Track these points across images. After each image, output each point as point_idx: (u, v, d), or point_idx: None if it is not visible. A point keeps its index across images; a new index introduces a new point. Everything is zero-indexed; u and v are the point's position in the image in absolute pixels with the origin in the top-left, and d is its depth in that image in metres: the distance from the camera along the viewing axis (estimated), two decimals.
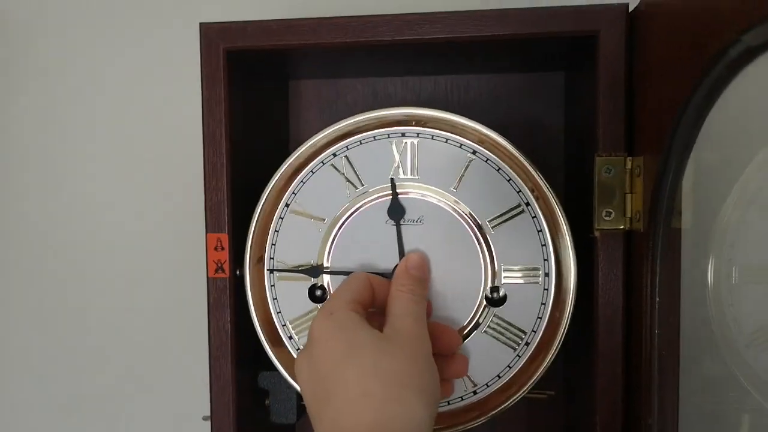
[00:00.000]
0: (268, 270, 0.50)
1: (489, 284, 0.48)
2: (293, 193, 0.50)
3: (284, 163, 0.49)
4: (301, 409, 0.54)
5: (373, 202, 0.49)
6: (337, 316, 0.40)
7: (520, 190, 0.47)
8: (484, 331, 0.48)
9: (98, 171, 0.72)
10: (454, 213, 0.48)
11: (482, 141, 0.48)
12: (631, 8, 0.45)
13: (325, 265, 0.49)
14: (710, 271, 0.49)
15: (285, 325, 0.50)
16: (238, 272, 0.50)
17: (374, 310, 0.44)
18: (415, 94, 0.64)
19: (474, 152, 0.47)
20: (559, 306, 0.47)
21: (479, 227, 0.47)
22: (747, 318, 0.48)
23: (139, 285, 0.72)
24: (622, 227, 0.45)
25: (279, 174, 0.49)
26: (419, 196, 0.48)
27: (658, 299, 0.42)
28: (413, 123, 0.48)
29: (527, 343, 0.47)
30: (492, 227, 0.47)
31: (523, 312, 0.47)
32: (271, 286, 0.50)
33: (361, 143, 0.49)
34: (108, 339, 0.73)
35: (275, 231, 0.50)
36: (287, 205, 0.50)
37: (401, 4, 0.63)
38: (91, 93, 0.71)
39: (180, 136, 0.69)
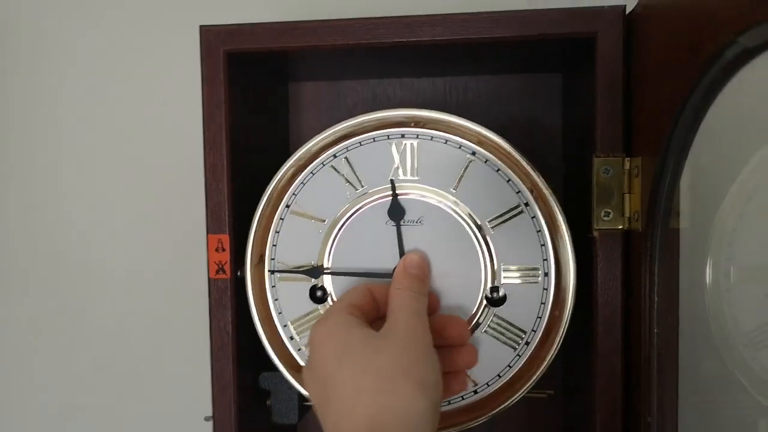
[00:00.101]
0: (268, 271, 0.50)
1: (489, 284, 0.48)
2: (294, 194, 0.50)
3: (285, 165, 0.50)
4: (303, 410, 0.54)
5: (373, 203, 0.49)
6: (332, 320, 0.41)
7: (519, 191, 0.47)
8: (485, 331, 0.48)
9: (98, 173, 0.72)
10: (453, 213, 0.48)
11: (481, 142, 0.48)
12: (628, 10, 0.46)
13: (326, 265, 0.49)
14: (708, 270, 0.49)
15: (286, 325, 0.50)
16: (239, 273, 0.50)
17: (379, 318, 0.44)
18: (415, 95, 0.64)
19: (473, 153, 0.48)
20: (559, 305, 0.47)
21: (479, 227, 0.48)
22: (745, 317, 0.48)
23: (139, 287, 0.72)
24: (620, 227, 0.45)
25: (279, 175, 0.50)
26: (419, 197, 0.48)
27: (656, 299, 0.42)
28: (413, 124, 0.49)
29: (527, 343, 0.48)
30: (491, 227, 0.48)
31: (523, 312, 0.48)
32: (272, 286, 0.50)
33: (361, 144, 0.49)
34: (109, 341, 0.73)
35: (276, 232, 0.50)
36: (288, 206, 0.50)
37: (400, 7, 0.64)
38: (91, 96, 0.71)
39: (180, 138, 0.70)
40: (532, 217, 0.47)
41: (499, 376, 0.48)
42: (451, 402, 0.48)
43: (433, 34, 0.47)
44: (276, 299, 0.50)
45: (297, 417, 0.53)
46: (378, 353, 0.38)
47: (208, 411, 0.51)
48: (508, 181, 0.47)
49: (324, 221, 0.49)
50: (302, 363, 0.50)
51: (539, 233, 0.47)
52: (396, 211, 0.48)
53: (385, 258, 0.48)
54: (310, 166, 0.50)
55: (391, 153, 0.49)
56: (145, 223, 0.71)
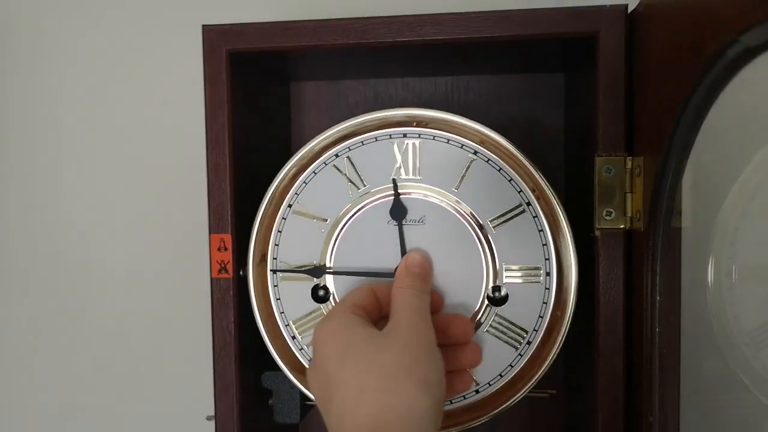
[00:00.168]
0: (271, 270, 0.50)
1: (491, 284, 0.48)
2: (296, 193, 0.50)
3: (287, 164, 0.50)
4: (304, 409, 0.54)
5: (375, 203, 0.49)
6: (335, 319, 0.41)
7: (521, 190, 0.47)
8: (486, 331, 0.48)
9: (98, 173, 0.72)
10: (455, 213, 0.48)
11: (483, 141, 0.48)
12: (630, 9, 0.46)
13: (328, 265, 0.49)
14: (710, 269, 0.49)
15: (288, 325, 0.50)
16: (241, 272, 0.50)
17: (382, 318, 0.44)
18: (416, 94, 0.64)
19: (475, 152, 0.48)
20: (561, 305, 0.47)
21: (480, 227, 0.48)
22: (747, 316, 0.48)
23: (140, 286, 0.72)
24: (622, 227, 0.45)
25: (282, 175, 0.50)
26: (421, 197, 0.48)
27: (658, 298, 0.42)
28: (415, 124, 0.49)
29: (529, 342, 0.48)
30: (493, 227, 0.48)
31: (525, 311, 0.48)
32: (274, 286, 0.50)
33: (363, 144, 0.49)
34: (109, 341, 0.73)
35: (278, 231, 0.50)
36: (290, 206, 0.50)
37: (402, 6, 0.64)
38: (91, 96, 0.72)
39: (181, 138, 0.70)
40: (534, 217, 0.47)
41: (501, 376, 0.48)
42: (453, 401, 0.48)
43: (434, 33, 0.47)
44: (278, 299, 0.50)
45: (299, 416, 0.53)
46: (380, 352, 0.38)
47: (210, 411, 0.51)
48: (509, 180, 0.48)
49: (326, 221, 0.49)
50: (304, 362, 0.51)
51: (541, 233, 0.47)
52: (398, 211, 0.48)
53: (387, 257, 0.48)
54: (312, 165, 0.50)
55: (393, 152, 0.49)
56: (145, 222, 0.71)
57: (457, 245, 0.48)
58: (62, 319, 0.73)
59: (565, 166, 0.62)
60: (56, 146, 0.72)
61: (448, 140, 0.48)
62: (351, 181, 0.49)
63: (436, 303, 0.47)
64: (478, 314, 0.48)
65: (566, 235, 0.47)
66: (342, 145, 0.49)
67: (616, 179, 0.45)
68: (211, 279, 0.50)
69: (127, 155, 0.72)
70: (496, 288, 0.48)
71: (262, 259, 0.50)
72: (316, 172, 0.50)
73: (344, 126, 0.49)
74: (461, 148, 0.48)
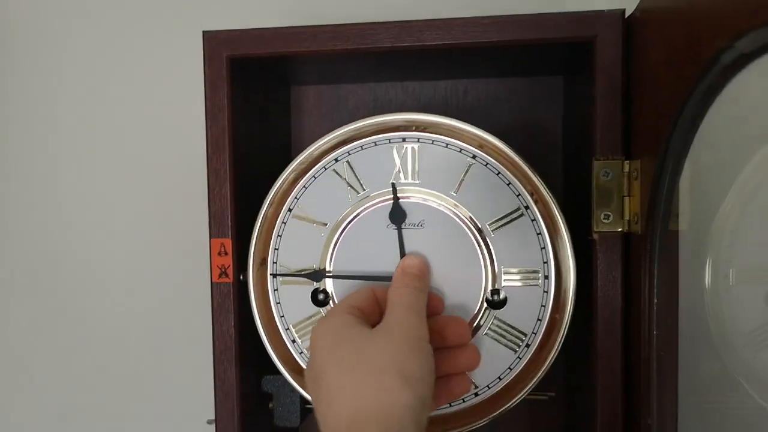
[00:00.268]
0: (271, 274, 0.51)
1: (489, 287, 0.48)
2: (296, 198, 0.50)
3: (287, 169, 0.50)
4: (305, 413, 0.54)
5: (375, 207, 0.49)
6: (331, 319, 0.42)
7: (519, 194, 0.48)
8: (485, 334, 0.48)
9: (100, 177, 0.72)
10: (454, 217, 0.48)
11: (482, 145, 0.48)
12: (627, 14, 0.46)
13: (328, 269, 0.50)
14: (708, 271, 0.49)
15: (288, 329, 0.51)
16: (241, 277, 0.50)
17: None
18: (415, 98, 0.64)
19: (474, 156, 0.48)
20: (559, 308, 0.48)
21: (479, 231, 0.48)
22: (744, 318, 0.49)
23: (142, 288, 0.72)
24: (620, 230, 0.46)
25: (281, 179, 0.50)
26: (420, 200, 0.49)
27: (656, 300, 0.42)
28: (414, 128, 0.49)
29: (528, 345, 0.48)
30: (492, 230, 0.48)
31: (524, 314, 0.48)
32: (274, 290, 0.51)
33: (362, 148, 0.49)
34: (111, 344, 0.73)
35: (278, 236, 0.50)
36: (290, 210, 0.50)
37: (401, 11, 0.64)
38: (93, 100, 0.72)
39: (182, 139, 0.70)
40: (533, 220, 0.48)
41: (500, 379, 0.48)
42: (452, 404, 0.48)
43: (433, 38, 0.48)
44: (278, 303, 0.51)
45: (299, 420, 0.53)
46: (367, 347, 0.39)
47: (211, 414, 0.51)
48: (508, 184, 0.48)
49: (326, 225, 0.50)
50: (304, 366, 0.51)
51: (539, 236, 0.48)
52: (397, 215, 0.49)
53: (387, 261, 0.48)
54: (312, 170, 0.50)
55: (392, 157, 0.49)
56: (145, 224, 0.72)
57: (456, 249, 0.48)
58: (62, 321, 0.74)
59: (564, 170, 0.62)
60: (56, 147, 0.73)
61: (447, 144, 0.48)
62: (350, 186, 0.49)
63: (436, 306, 0.47)
64: (477, 317, 0.48)
65: (564, 238, 0.47)
66: (341, 149, 0.50)
67: (613, 183, 0.46)
68: (212, 283, 0.50)
69: (127, 156, 0.72)
70: (495, 291, 0.48)
71: (262, 263, 0.51)
72: (315, 176, 0.50)
73: (344, 131, 0.49)
74: (460, 152, 0.48)
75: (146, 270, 0.72)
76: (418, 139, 0.49)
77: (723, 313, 0.49)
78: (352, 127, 0.49)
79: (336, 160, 0.50)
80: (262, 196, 0.50)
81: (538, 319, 0.48)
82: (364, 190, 0.49)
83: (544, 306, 0.48)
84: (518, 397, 0.48)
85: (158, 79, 0.71)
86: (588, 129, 0.48)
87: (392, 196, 0.49)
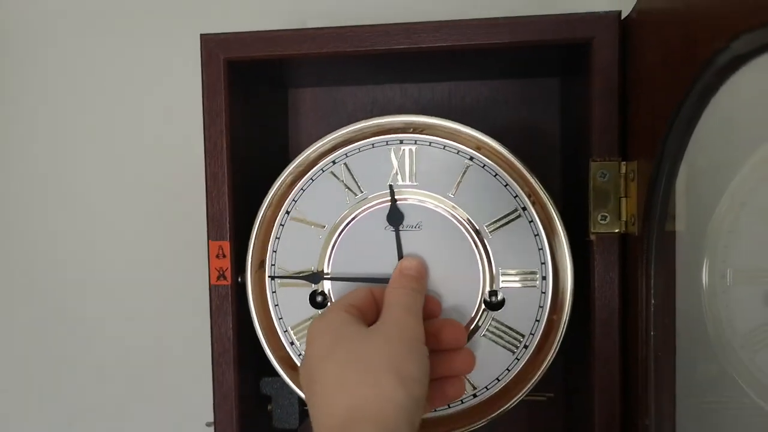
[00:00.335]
0: (269, 277, 0.51)
1: (487, 288, 0.48)
2: (293, 200, 0.50)
3: (284, 171, 0.50)
4: (303, 415, 0.54)
5: (372, 209, 0.49)
6: (327, 316, 0.42)
7: (516, 195, 0.48)
8: (483, 335, 0.48)
9: (98, 180, 0.72)
10: (452, 218, 0.48)
11: (479, 147, 0.48)
12: (623, 16, 0.46)
13: (326, 271, 0.50)
14: (705, 272, 0.49)
15: (286, 331, 0.51)
16: (239, 279, 0.50)
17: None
18: (413, 100, 0.65)
19: (471, 158, 0.48)
20: (557, 309, 0.48)
21: (477, 232, 0.48)
22: (742, 318, 0.49)
23: (142, 291, 0.72)
24: (617, 231, 0.46)
25: (279, 182, 0.50)
26: (418, 202, 0.49)
27: (653, 301, 0.43)
28: (411, 130, 0.49)
29: (526, 346, 0.48)
30: (489, 232, 0.48)
31: (521, 315, 0.48)
32: (273, 292, 0.51)
33: (359, 151, 0.50)
34: (110, 347, 0.73)
35: (276, 238, 0.51)
36: (288, 213, 0.50)
37: (398, 14, 0.64)
38: (92, 103, 0.72)
39: (183, 146, 0.70)
40: (530, 221, 0.48)
41: (498, 380, 0.48)
42: (451, 406, 0.49)
43: (431, 40, 0.48)
44: (276, 305, 0.51)
45: (298, 422, 0.53)
46: (363, 346, 0.39)
47: (209, 417, 0.51)
48: (505, 185, 0.48)
49: (324, 227, 0.50)
50: None
51: (537, 237, 0.48)
52: (395, 217, 0.49)
53: (385, 263, 0.48)
54: (310, 172, 0.50)
55: (389, 159, 0.49)
56: (145, 226, 0.72)
57: (454, 250, 0.48)
58: (62, 322, 0.74)
59: (562, 171, 0.62)
60: (56, 148, 0.73)
61: (444, 146, 0.48)
62: (348, 188, 0.50)
63: (433, 309, 0.47)
64: (475, 319, 0.48)
65: (562, 239, 0.47)
66: (339, 151, 0.50)
67: (610, 184, 0.46)
68: (210, 286, 0.50)
69: (126, 158, 0.72)
70: (493, 293, 0.48)
71: (260, 265, 0.51)
72: (313, 178, 0.50)
73: (341, 133, 0.50)
74: (457, 153, 0.48)
75: (146, 272, 0.72)
76: (416, 141, 0.49)
77: (720, 314, 0.49)
78: (350, 129, 0.49)
79: (333, 162, 0.50)
80: (260, 199, 0.50)
81: (536, 320, 0.48)
82: (362, 192, 0.49)
83: (542, 307, 0.48)
84: (517, 398, 0.48)
85: (159, 87, 0.71)
86: (585, 130, 0.48)
87: (390, 198, 0.49)
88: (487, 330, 0.48)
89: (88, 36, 0.72)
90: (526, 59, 0.56)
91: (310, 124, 0.66)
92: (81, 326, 0.73)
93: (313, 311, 0.50)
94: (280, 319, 0.51)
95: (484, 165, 0.48)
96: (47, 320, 0.74)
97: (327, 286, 0.50)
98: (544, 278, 0.48)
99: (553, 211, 0.47)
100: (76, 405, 0.74)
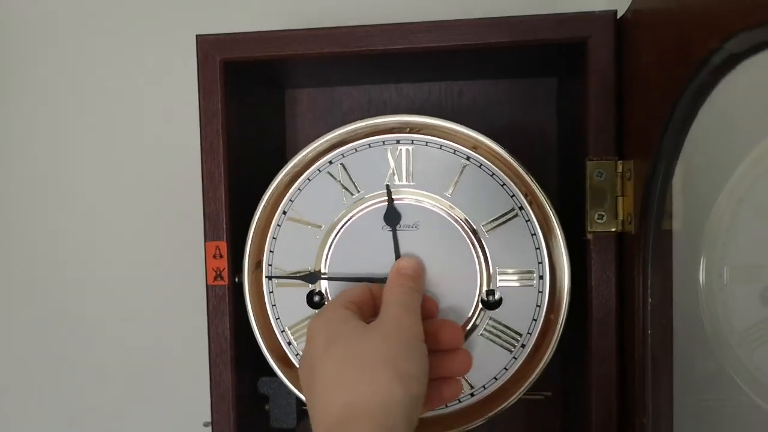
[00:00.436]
0: (266, 277, 0.51)
1: (484, 287, 0.48)
2: (290, 200, 0.50)
3: (281, 171, 0.50)
4: (301, 414, 0.54)
5: (369, 209, 0.49)
6: (327, 313, 0.42)
7: (513, 195, 0.48)
8: (481, 334, 0.48)
9: (98, 181, 0.72)
10: (449, 218, 0.48)
11: (476, 147, 0.48)
12: (619, 16, 0.46)
13: (323, 271, 0.50)
14: (701, 271, 0.49)
15: (284, 331, 0.51)
16: (236, 279, 0.50)
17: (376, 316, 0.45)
18: (410, 100, 0.65)
19: (468, 158, 0.48)
20: (554, 308, 0.48)
21: (474, 232, 0.48)
22: (739, 316, 0.49)
23: (141, 294, 0.72)
24: (614, 230, 0.46)
25: (276, 182, 0.50)
26: (414, 202, 0.49)
27: (650, 300, 0.43)
28: (408, 130, 0.49)
29: (523, 345, 0.48)
30: (486, 231, 0.48)
31: (519, 314, 0.48)
32: (270, 292, 0.51)
33: (356, 150, 0.50)
34: (108, 349, 0.73)
35: (273, 238, 0.51)
36: (284, 213, 0.50)
37: (394, 14, 0.64)
38: (92, 103, 0.72)
39: (181, 146, 0.70)
40: (527, 221, 0.48)
41: (496, 379, 0.48)
42: (448, 405, 0.49)
43: (427, 40, 0.48)
44: (274, 305, 0.51)
45: (295, 422, 0.53)
46: (362, 343, 0.39)
47: (207, 417, 0.51)
48: (502, 185, 0.48)
49: (321, 227, 0.50)
50: None
51: (534, 236, 0.48)
52: (392, 217, 0.49)
53: (382, 263, 0.48)
54: (307, 172, 0.50)
55: (386, 158, 0.49)
56: (144, 226, 0.72)
57: (451, 250, 0.48)
58: (63, 325, 0.74)
59: (558, 171, 0.62)
60: (55, 148, 0.73)
61: (441, 146, 0.49)
62: (345, 188, 0.50)
63: (431, 309, 0.47)
64: (472, 318, 0.48)
65: (559, 238, 0.47)
66: (336, 152, 0.50)
67: (607, 183, 0.46)
68: (207, 286, 0.50)
69: (125, 158, 0.72)
70: (490, 292, 0.48)
71: (257, 265, 0.51)
72: (310, 178, 0.50)
73: (338, 133, 0.50)
74: (454, 153, 0.48)
75: (146, 271, 0.72)
76: (413, 140, 0.49)
77: (717, 312, 0.49)
78: (346, 129, 0.49)
79: (330, 162, 0.50)
80: (256, 199, 0.50)
81: (533, 319, 0.48)
82: (359, 192, 0.49)
83: (539, 306, 0.48)
84: (514, 397, 0.48)
85: (156, 88, 0.71)
86: (581, 130, 0.48)
87: (387, 197, 0.49)
88: (485, 329, 0.48)
89: (88, 36, 0.72)
90: (523, 59, 0.56)
91: (306, 125, 0.66)
92: (81, 326, 0.73)
93: (310, 311, 0.50)
94: (277, 319, 0.51)
95: (481, 165, 0.48)
96: (47, 320, 0.74)
97: (324, 286, 0.50)
98: (541, 277, 0.48)
99: (550, 210, 0.47)
100: (76, 405, 0.74)
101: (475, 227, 0.48)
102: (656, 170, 0.40)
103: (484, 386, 0.48)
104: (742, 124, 0.45)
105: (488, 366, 0.48)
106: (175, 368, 0.72)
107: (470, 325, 0.48)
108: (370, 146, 0.49)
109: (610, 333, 0.47)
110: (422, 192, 0.49)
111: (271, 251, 0.51)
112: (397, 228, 0.49)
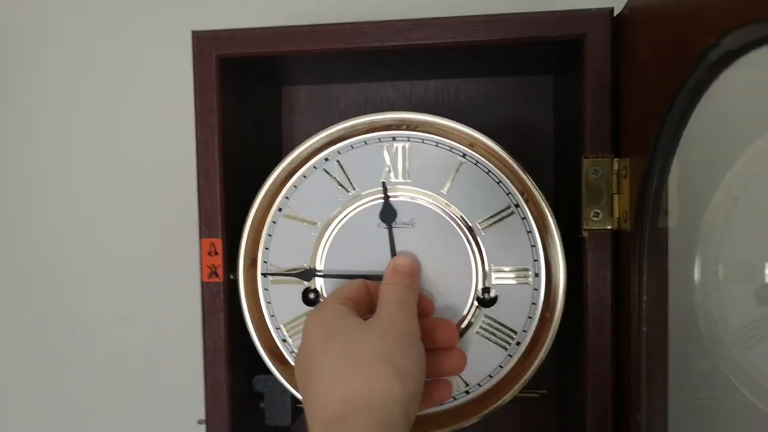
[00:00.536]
0: (261, 274, 0.51)
1: (480, 285, 0.48)
2: (286, 197, 0.50)
3: (277, 168, 0.50)
4: (296, 412, 0.54)
5: (365, 206, 0.49)
6: (324, 309, 0.42)
7: (509, 192, 0.48)
8: (476, 332, 0.48)
9: (98, 180, 0.72)
10: (445, 215, 0.48)
11: (472, 144, 0.48)
12: (616, 13, 0.46)
13: (318, 268, 0.50)
14: (697, 269, 0.49)
15: (279, 328, 0.51)
16: (231, 276, 0.50)
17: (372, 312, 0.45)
18: (406, 98, 0.64)
19: (464, 155, 0.48)
20: (550, 306, 0.48)
21: (470, 229, 0.48)
22: (734, 315, 0.49)
23: (141, 293, 0.72)
24: (609, 227, 0.46)
25: (272, 179, 0.50)
26: (410, 199, 0.49)
27: (645, 298, 0.43)
28: (404, 127, 0.49)
29: (518, 343, 0.48)
30: (482, 229, 0.48)
31: (514, 312, 0.48)
32: (265, 289, 0.51)
33: (352, 148, 0.49)
34: (110, 349, 0.73)
35: (268, 235, 0.50)
36: (280, 210, 0.50)
37: (392, 11, 0.64)
38: (92, 103, 0.72)
39: (178, 143, 0.69)
40: (523, 218, 0.48)
41: (491, 377, 0.48)
42: (444, 403, 0.49)
43: (423, 38, 0.48)
44: (269, 302, 0.51)
45: (290, 419, 0.53)
46: (359, 340, 0.39)
47: (202, 414, 0.51)
48: (498, 182, 0.48)
49: (316, 224, 0.50)
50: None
51: (530, 234, 0.48)
52: (387, 214, 0.49)
53: (378, 260, 0.48)
54: (302, 169, 0.50)
55: (382, 156, 0.49)
56: (142, 225, 0.71)
57: (447, 247, 0.48)
58: (63, 325, 0.73)
59: (555, 168, 0.62)
60: (53, 148, 0.72)
61: (437, 143, 0.48)
62: (341, 185, 0.49)
63: (426, 307, 0.47)
64: (467, 316, 0.48)
65: (554, 236, 0.47)
66: (332, 148, 0.49)
67: (603, 180, 0.46)
68: (202, 283, 0.50)
69: (122, 157, 0.72)
70: (486, 289, 0.48)
71: (252, 262, 0.51)
72: (306, 175, 0.50)
73: (334, 130, 0.49)
74: (450, 151, 0.48)
75: (146, 271, 0.72)
76: (409, 138, 0.49)
77: (712, 310, 0.49)
78: (343, 126, 0.49)
79: (326, 159, 0.50)
80: (252, 196, 0.50)
81: (529, 317, 0.48)
82: (355, 189, 0.49)
83: (535, 304, 0.48)
84: (510, 394, 0.48)
85: (153, 84, 0.71)
86: (577, 127, 0.48)
87: (383, 195, 0.49)
88: (480, 327, 0.48)
89: (88, 36, 0.71)
90: (519, 56, 0.56)
91: (303, 121, 0.66)
92: (81, 326, 0.73)
93: (306, 308, 0.50)
94: (272, 316, 0.51)
95: (477, 162, 0.48)
96: (47, 320, 0.74)
97: (319, 283, 0.50)
98: (536, 275, 0.48)
99: (545, 208, 0.47)
100: (76, 405, 0.74)
101: (470, 225, 0.48)
102: (652, 168, 0.40)
103: (479, 384, 0.48)
104: (739, 121, 0.45)
105: (483, 363, 0.48)
106: (175, 368, 0.72)
107: (466, 323, 0.48)
108: (366, 143, 0.49)
109: (606, 330, 0.47)
110: (418, 189, 0.49)
111: (266, 248, 0.50)
112: (393, 225, 0.49)
